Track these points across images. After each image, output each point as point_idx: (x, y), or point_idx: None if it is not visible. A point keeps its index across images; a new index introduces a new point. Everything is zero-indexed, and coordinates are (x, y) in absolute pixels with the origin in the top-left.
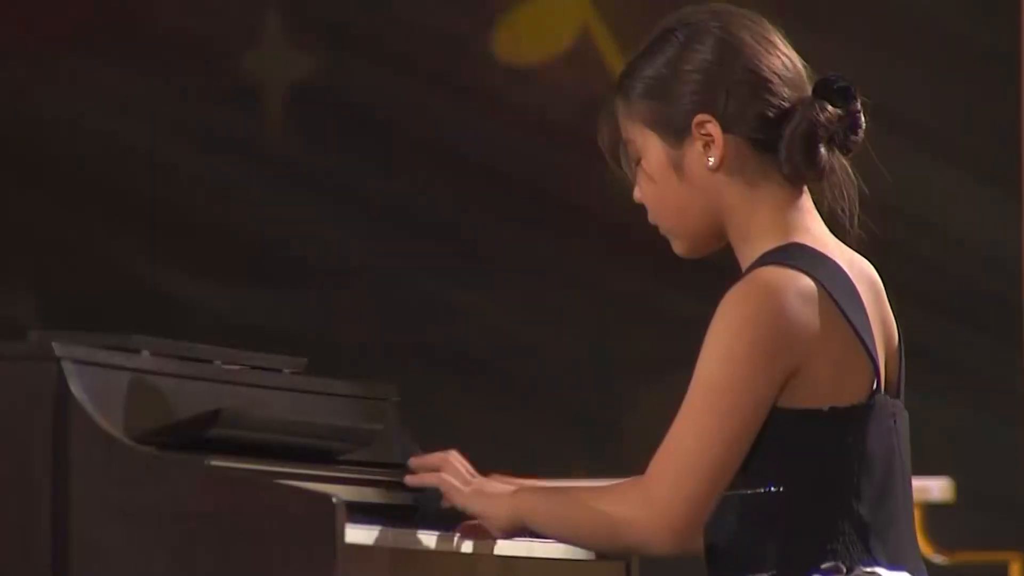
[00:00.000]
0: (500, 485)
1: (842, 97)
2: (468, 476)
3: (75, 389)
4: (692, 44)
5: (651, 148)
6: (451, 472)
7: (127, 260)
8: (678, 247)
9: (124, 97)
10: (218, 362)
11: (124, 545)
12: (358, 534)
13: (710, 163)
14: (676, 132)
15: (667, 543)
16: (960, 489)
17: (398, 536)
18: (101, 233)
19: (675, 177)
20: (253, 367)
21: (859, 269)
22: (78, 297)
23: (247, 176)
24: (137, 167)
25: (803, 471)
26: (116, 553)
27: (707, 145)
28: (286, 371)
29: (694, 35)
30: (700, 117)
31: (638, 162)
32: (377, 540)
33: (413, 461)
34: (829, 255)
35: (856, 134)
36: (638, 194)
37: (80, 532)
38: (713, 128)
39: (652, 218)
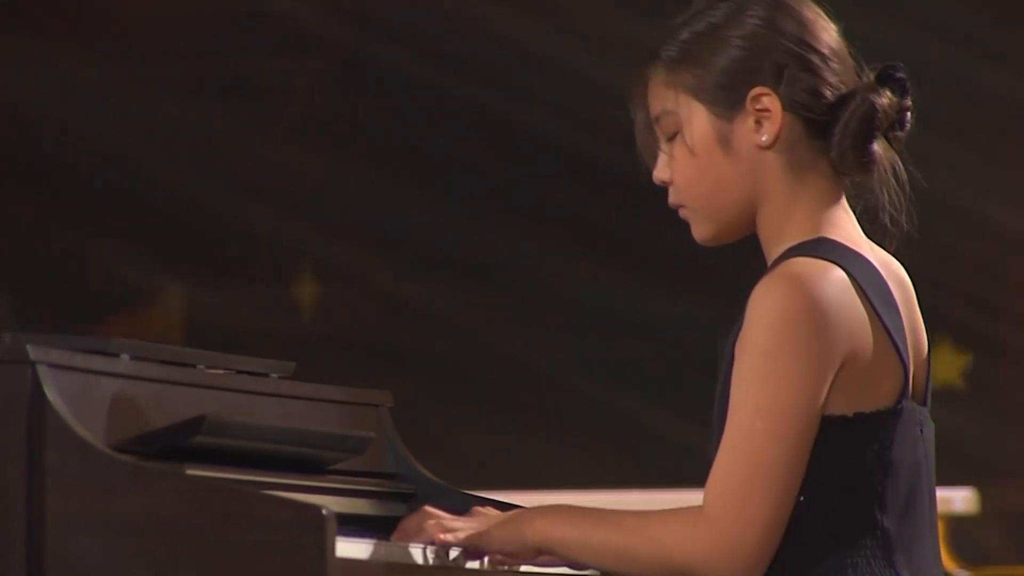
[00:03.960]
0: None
1: (900, 90)
2: (468, 519)
3: (51, 395)
4: (745, 9)
5: (696, 119)
6: (451, 523)
7: (106, 260)
8: (701, 231)
9: (98, 93)
10: (202, 366)
11: (102, 559)
12: (349, 548)
13: (763, 140)
14: (728, 104)
15: None
16: (985, 501)
17: (391, 550)
18: (78, 232)
19: (720, 152)
20: (239, 371)
21: (890, 270)
22: (54, 298)
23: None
24: (115, 165)
25: (824, 480)
26: (94, 567)
27: (760, 121)
28: (273, 375)
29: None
30: (758, 90)
31: (672, 136)
32: (369, 555)
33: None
34: (861, 252)
35: (902, 129)
36: (666, 173)
37: (56, 545)
38: (772, 102)
39: (678, 197)
